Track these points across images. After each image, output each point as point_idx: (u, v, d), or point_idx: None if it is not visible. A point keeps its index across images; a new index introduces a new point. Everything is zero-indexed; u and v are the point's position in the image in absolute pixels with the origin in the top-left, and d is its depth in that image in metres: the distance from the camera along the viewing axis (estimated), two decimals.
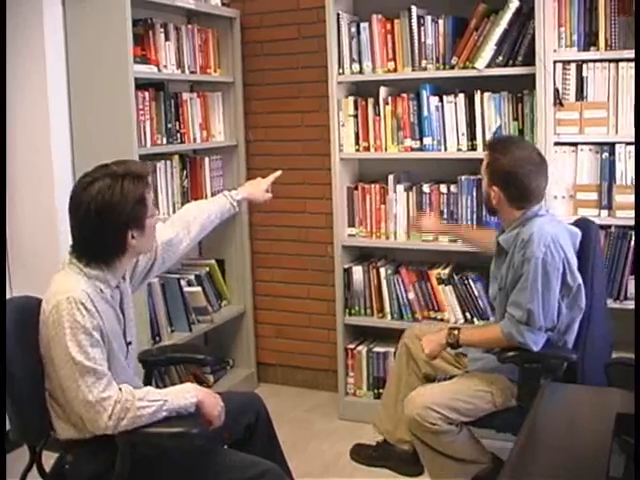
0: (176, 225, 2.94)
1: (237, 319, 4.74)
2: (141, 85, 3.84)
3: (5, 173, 3.63)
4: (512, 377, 3.06)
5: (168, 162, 4.09)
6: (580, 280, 3.01)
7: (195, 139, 4.31)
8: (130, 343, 2.65)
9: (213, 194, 4.41)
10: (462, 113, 3.93)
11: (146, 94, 3.88)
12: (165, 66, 4.04)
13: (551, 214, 3.20)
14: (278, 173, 3.33)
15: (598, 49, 3.57)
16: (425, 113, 3.98)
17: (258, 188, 3.25)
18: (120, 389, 2.37)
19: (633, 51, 3.45)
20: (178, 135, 4.16)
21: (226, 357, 4.78)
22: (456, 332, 3.16)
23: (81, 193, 2.43)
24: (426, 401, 3.05)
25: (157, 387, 2.59)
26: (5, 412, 2.42)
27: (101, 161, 2.54)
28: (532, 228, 2.99)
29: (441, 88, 4.00)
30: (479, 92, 3.87)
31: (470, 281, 3.99)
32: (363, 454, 3.84)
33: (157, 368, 3.17)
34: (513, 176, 3.03)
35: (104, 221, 2.41)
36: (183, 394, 2.46)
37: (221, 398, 2.57)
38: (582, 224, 3.23)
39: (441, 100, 3.96)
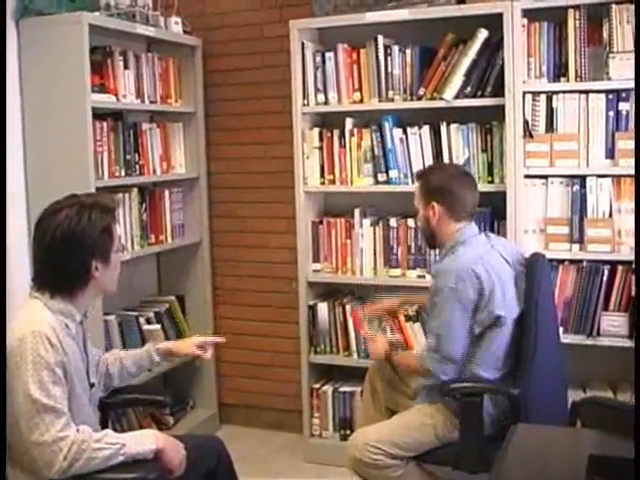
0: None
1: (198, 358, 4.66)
2: (99, 115, 3.82)
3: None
4: (452, 407, 3.09)
5: (126, 195, 4.05)
6: (504, 312, 3.05)
7: (155, 171, 4.29)
8: (93, 385, 2.64)
9: (173, 228, 4.43)
10: (428, 145, 3.94)
11: (104, 124, 3.86)
12: (124, 95, 4.01)
13: (488, 237, 3.27)
14: (222, 340, 3.20)
15: (568, 80, 3.61)
16: (389, 145, 4.00)
17: (189, 342, 3.06)
18: (78, 430, 2.35)
19: (603, 82, 3.52)
20: (137, 167, 4.13)
21: (186, 398, 4.73)
22: (398, 351, 3.42)
23: (48, 219, 2.46)
24: (368, 439, 3.09)
25: (114, 430, 2.54)
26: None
27: (57, 194, 2.55)
28: (453, 258, 3.12)
29: (405, 120, 4.02)
30: (445, 123, 3.88)
31: None
32: None
33: (113, 410, 3.16)
34: (447, 187, 3.18)
35: (69, 248, 2.43)
36: (142, 440, 2.44)
37: (180, 441, 2.54)
38: (530, 259, 3.27)
39: (405, 132, 3.98)
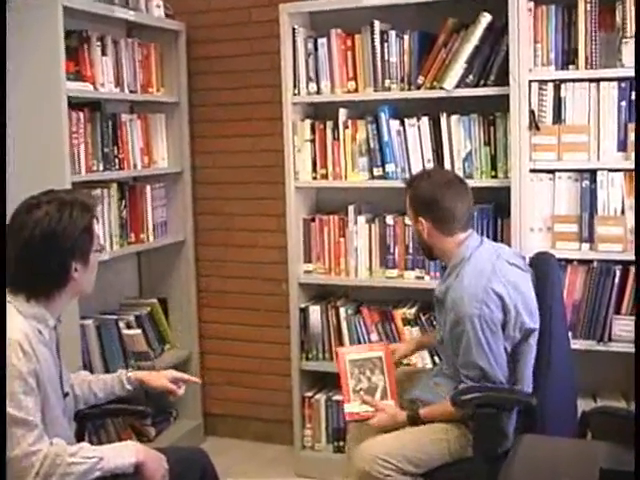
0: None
1: (181, 365, 4.64)
2: (75, 105, 3.80)
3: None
4: (467, 423, 3.07)
5: (105, 191, 4.04)
6: (532, 323, 3.04)
7: (135, 165, 4.28)
8: (67, 394, 2.63)
9: (155, 226, 4.42)
10: (427, 138, 3.93)
11: (80, 115, 3.84)
12: (102, 84, 4.00)
13: (490, 244, 3.23)
14: (197, 381, 3.17)
15: (577, 67, 3.59)
16: (385, 138, 3.99)
17: (162, 375, 2.96)
18: (51, 443, 2.33)
19: (615, 70, 3.50)
20: (116, 161, 4.12)
21: (169, 407, 4.70)
22: (416, 404, 3.20)
23: (25, 216, 2.45)
24: (377, 452, 3.03)
25: (91, 443, 2.54)
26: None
27: (30, 191, 2.54)
28: (462, 282, 3.03)
29: (402, 111, 4.01)
30: (445, 114, 3.88)
31: None
32: None
33: (91, 421, 3.11)
34: (434, 200, 3.11)
35: (49, 248, 2.43)
36: (122, 453, 2.43)
37: (163, 454, 2.53)
38: (537, 259, 3.26)
39: (402, 124, 3.97)
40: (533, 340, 3.05)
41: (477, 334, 2.96)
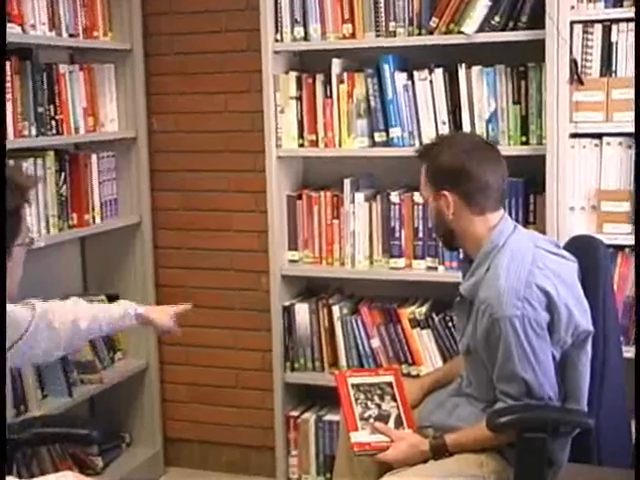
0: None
1: (136, 378, 4.70)
2: None
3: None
4: (507, 455, 3.05)
5: (39, 161, 4.02)
6: (588, 325, 3.04)
7: (77, 129, 4.26)
8: None
9: (103, 205, 4.46)
10: (441, 95, 3.94)
11: (7, 65, 3.78)
12: (33, 26, 3.96)
13: (523, 230, 3.25)
14: (188, 306, 3.39)
15: (633, 4, 3.55)
16: (390, 95, 3.99)
17: (167, 312, 3.33)
18: None
19: None
20: (53, 123, 4.11)
21: (121, 431, 4.74)
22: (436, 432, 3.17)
23: None
24: None
25: (19, 477, 2.58)
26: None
27: None
28: (498, 276, 3.00)
29: (410, 61, 4.02)
30: (464, 66, 3.88)
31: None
32: None
33: (21, 450, 3.10)
34: (462, 169, 3.08)
35: None
36: None
37: None
38: (578, 246, 3.25)
39: (411, 77, 3.97)
40: (589, 346, 3.04)
41: (519, 339, 2.94)
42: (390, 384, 3.37)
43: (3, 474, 2.28)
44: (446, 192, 3.08)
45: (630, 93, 3.56)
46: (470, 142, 3.25)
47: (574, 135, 3.68)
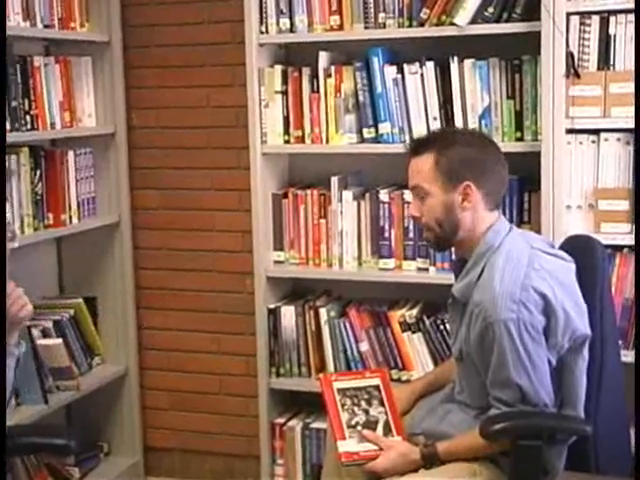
0: None
1: (115, 384, 4.69)
2: None
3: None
4: (501, 463, 3.04)
5: (13, 158, 4.00)
6: (585, 329, 3.04)
7: (53, 125, 4.24)
8: None
9: (80, 204, 4.44)
10: (433, 89, 3.94)
11: None
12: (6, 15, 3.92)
13: (518, 231, 3.24)
14: None
15: None
16: (379, 89, 3.99)
17: None
18: None
19: None
20: (27, 118, 4.08)
21: (98, 440, 4.73)
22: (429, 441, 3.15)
23: None
24: None
25: None
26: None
27: None
28: (492, 278, 2.99)
29: (401, 54, 4.02)
30: (456, 59, 3.87)
31: (447, 326, 3.93)
32: None
33: None
34: (482, 161, 3.08)
35: None
36: None
37: None
38: (575, 246, 3.25)
39: (401, 71, 3.97)
40: (587, 350, 3.04)
41: (514, 344, 2.92)
42: (377, 387, 3.36)
43: (3, 474, 2.32)
44: (470, 182, 3.05)
45: (629, 87, 3.57)
46: (480, 137, 3.28)
47: (570, 131, 3.67)
